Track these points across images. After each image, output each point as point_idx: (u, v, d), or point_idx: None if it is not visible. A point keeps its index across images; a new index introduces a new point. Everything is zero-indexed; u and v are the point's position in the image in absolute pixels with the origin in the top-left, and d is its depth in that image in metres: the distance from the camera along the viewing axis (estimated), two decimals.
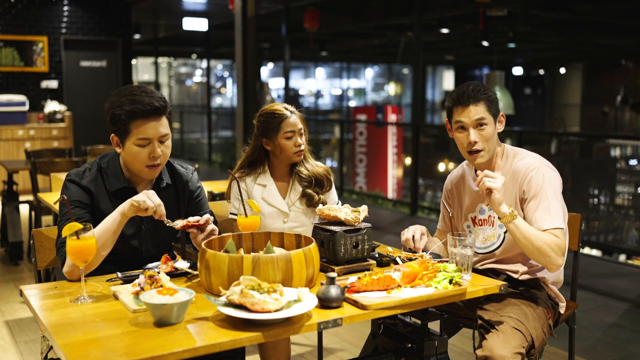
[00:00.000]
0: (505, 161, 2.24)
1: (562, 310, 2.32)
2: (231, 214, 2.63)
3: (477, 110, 2.17)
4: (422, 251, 2.15)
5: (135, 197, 1.90)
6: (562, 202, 2.16)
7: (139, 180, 2.15)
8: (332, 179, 2.67)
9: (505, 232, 2.23)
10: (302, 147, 2.56)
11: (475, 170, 2.30)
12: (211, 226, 2.02)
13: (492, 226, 2.27)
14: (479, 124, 2.18)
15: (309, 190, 2.59)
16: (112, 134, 2.06)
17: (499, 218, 2.05)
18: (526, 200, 2.15)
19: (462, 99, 2.20)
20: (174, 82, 21.26)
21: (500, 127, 2.25)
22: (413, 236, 2.18)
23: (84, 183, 2.07)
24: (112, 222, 1.94)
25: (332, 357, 3.32)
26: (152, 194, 1.93)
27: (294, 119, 2.54)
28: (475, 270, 2.34)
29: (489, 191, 2.03)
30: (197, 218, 2.01)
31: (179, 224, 1.99)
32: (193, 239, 2.08)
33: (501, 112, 2.27)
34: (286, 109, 2.57)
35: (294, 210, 2.60)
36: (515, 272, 2.25)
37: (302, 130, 2.57)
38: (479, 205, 2.31)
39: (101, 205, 2.07)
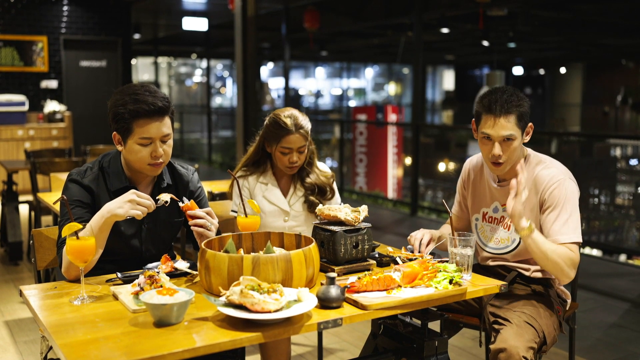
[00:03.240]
0: (528, 167, 2.22)
1: (568, 307, 2.35)
2: (232, 211, 2.64)
3: (506, 125, 2.10)
4: (428, 253, 2.16)
5: (131, 212, 1.88)
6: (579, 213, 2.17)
7: (140, 180, 2.15)
8: (335, 188, 2.67)
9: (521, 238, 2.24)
10: (296, 165, 2.53)
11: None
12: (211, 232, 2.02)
13: (508, 230, 2.27)
14: (506, 139, 2.13)
15: (312, 198, 2.59)
16: (114, 132, 2.07)
17: (517, 231, 2.04)
18: (546, 210, 2.15)
19: (494, 108, 2.11)
20: (173, 82, 21.27)
21: (527, 138, 2.20)
22: (422, 240, 2.19)
23: (86, 182, 2.07)
24: (103, 224, 1.92)
25: (332, 357, 3.32)
26: (136, 195, 1.90)
27: (296, 137, 2.49)
28: (485, 267, 2.35)
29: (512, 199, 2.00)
30: (202, 214, 2.01)
31: (184, 202, 2.00)
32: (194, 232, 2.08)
33: (530, 123, 2.20)
34: (295, 123, 2.50)
35: (295, 209, 2.60)
36: (527, 269, 2.27)
37: (303, 149, 2.53)
38: (495, 202, 2.31)
39: (102, 203, 2.06)
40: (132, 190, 1.93)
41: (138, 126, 2.00)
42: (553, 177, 2.15)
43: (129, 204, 1.89)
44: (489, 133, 2.13)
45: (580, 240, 2.11)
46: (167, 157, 2.08)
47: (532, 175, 2.20)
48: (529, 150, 2.28)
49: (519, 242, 2.25)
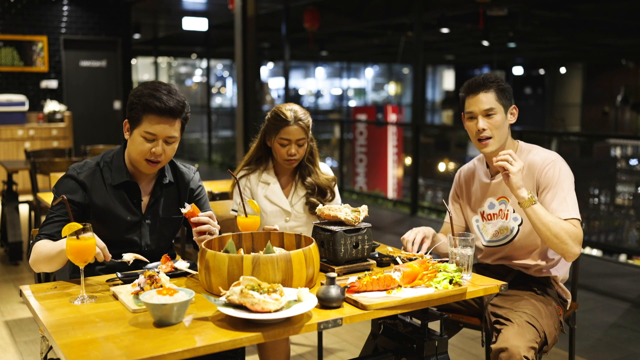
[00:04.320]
0: (520, 156, 2.27)
1: (568, 307, 2.35)
2: (232, 210, 2.64)
3: (487, 99, 2.21)
4: (427, 254, 2.15)
5: None
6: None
7: (142, 175, 2.16)
8: (336, 191, 2.66)
9: (519, 225, 2.26)
10: (295, 158, 2.53)
11: (488, 166, 2.32)
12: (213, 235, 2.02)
13: (506, 219, 2.29)
14: (488, 114, 2.21)
15: (313, 199, 2.59)
16: (126, 119, 2.09)
17: (519, 203, 2.09)
18: (542, 191, 2.19)
19: (473, 87, 2.24)
20: (174, 82, 21.27)
21: (512, 119, 2.28)
22: (414, 240, 2.18)
23: (81, 178, 2.09)
24: (56, 253, 1.90)
25: (332, 357, 3.32)
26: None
27: (295, 128, 2.48)
28: (486, 266, 2.35)
29: (507, 174, 2.07)
30: (206, 219, 2.01)
31: (186, 208, 1.99)
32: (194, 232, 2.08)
33: (514, 105, 2.29)
34: (294, 115, 2.50)
35: (296, 209, 2.60)
36: (527, 268, 2.27)
37: (302, 142, 2.52)
38: (489, 199, 2.33)
39: (95, 200, 2.09)
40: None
41: (147, 120, 2.02)
42: (546, 158, 2.21)
43: None
44: (471, 110, 2.24)
45: (579, 217, 2.13)
46: (166, 158, 2.09)
47: (526, 162, 2.24)
48: (520, 142, 2.33)
49: (518, 229, 2.26)
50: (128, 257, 1.96)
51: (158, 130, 2.03)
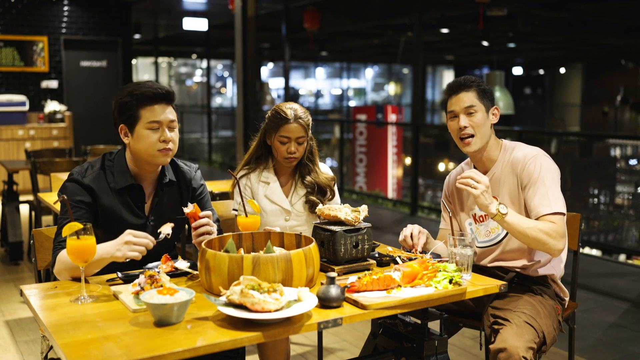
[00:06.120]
0: (504, 154, 2.29)
1: (566, 306, 2.36)
2: (233, 209, 2.65)
3: (468, 98, 2.24)
4: (422, 252, 2.15)
5: (129, 254, 1.85)
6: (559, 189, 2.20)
7: (144, 177, 2.15)
8: (335, 190, 2.67)
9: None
10: (294, 156, 2.54)
11: (475, 168, 2.32)
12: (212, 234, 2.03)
13: None
14: (469, 112, 2.23)
15: (312, 197, 2.60)
16: (121, 125, 2.08)
17: (491, 218, 2.10)
18: (524, 188, 2.20)
19: (454, 87, 2.28)
20: (174, 82, 21.27)
21: (494, 119, 2.30)
22: (411, 235, 2.19)
23: (86, 182, 2.06)
24: (99, 263, 1.90)
25: (332, 357, 3.32)
26: (132, 236, 1.86)
27: (294, 126, 2.50)
28: (482, 268, 2.35)
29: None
30: (205, 220, 2.01)
31: (188, 208, 2.01)
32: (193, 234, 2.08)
33: (496, 105, 2.32)
34: (294, 113, 2.52)
35: (296, 208, 2.61)
36: (524, 268, 2.27)
37: (302, 140, 2.53)
38: None
39: (104, 202, 2.08)
40: (129, 231, 1.88)
41: (145, 111, 2.03)
42: (526, 154, 2.22)
43: (126, 247, 1.86)
44: (452, 109, 2.27)
45: (562, 210, 2.13)
46: (175, 144, 2.10)
47: (509, 160, 2.26)
48: (504, 141, 2.34)
49: None
50: (166, 229, 1.97)
51: (160, 117, 2.04)
